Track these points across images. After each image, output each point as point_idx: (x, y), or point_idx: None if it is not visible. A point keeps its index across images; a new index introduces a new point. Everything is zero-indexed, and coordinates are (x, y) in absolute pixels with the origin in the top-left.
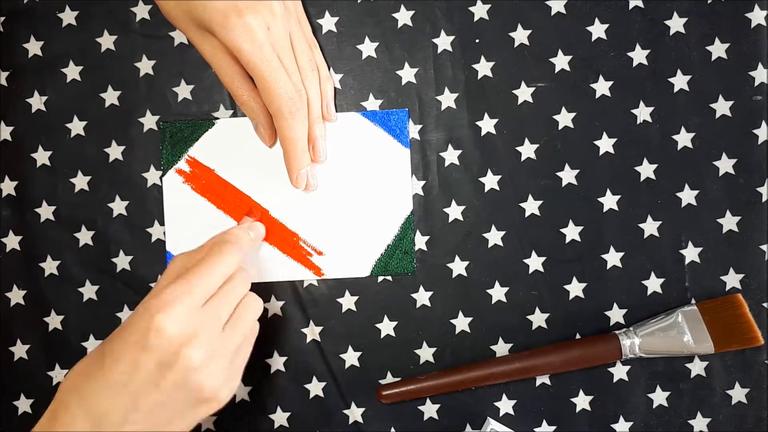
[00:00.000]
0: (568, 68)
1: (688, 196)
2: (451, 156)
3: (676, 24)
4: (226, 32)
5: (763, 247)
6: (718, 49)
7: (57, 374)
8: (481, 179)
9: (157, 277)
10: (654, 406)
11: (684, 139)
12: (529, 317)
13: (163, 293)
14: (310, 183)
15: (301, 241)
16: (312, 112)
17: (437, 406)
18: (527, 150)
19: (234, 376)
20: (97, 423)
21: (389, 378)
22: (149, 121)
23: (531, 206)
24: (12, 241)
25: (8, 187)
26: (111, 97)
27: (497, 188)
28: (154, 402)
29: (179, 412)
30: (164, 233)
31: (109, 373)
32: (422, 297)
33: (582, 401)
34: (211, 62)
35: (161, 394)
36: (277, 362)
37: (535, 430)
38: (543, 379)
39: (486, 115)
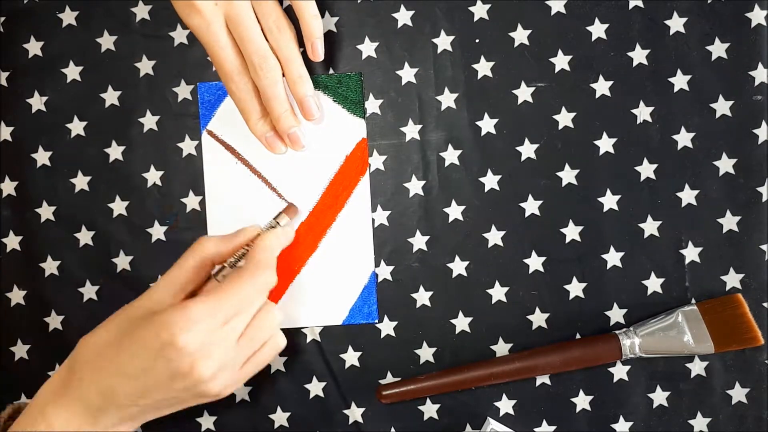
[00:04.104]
0: (568, 68)
1: (688, 196)
2: (451, 156)
3: (676, 24)
4: (185, 18)
5: (763, 247)
6: (718, 49)
7: None
8: (481, 179)
9: (158, 277)
10: (654, 406)
11: (684, 139)
12: (529, 317)
13: (188, 310)
14: (301, 142)
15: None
16: (291, 72)
17: (437, 406)
18: (527, 150)
19: (239, 381)
20: (106, 399)
21: (389, 378)
22: (149, 121)
23: (531, 206)
24: (12, 241)
25: (8, 187)
26: (111, 97)
27: (497, 188)
28: (160, 397)
29: (180, 403)
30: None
31: (124, 363)
32: (422, 297)
33: (582, 401)
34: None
35: (168, 392)
36: (277, 362)
37: (535, 430)
38: (543, 379)
39: (486, 115)
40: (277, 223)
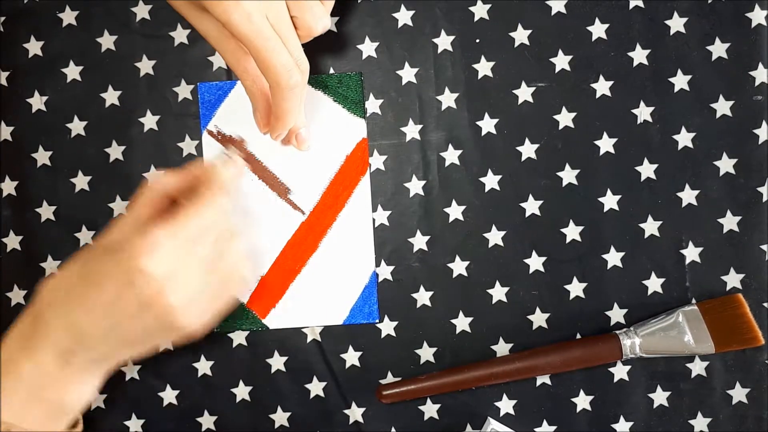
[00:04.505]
0: (568, 68)
1: (688, 196)
2: (451, 156)
3: (677, 24)
4: (215, 6)
5: (764, 247)
6: (719, 49)
7: None
8: (482, 179)
9: None
10: (654, 406)
11: (684, 139)
12: (529, 317)
13: (151, 235)
14: (306, 141)
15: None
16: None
17: (437, 406)
18: (527, 150)
19: (209, 313)
20: (76, 339)
21: (389, 378)
22: (149, 121)
23: (531, 206)
24: (12, 241)
25: (8, 187)
26: (111, 97)
27: (497, 188)
28: (130, 330)
29: (150, 336)
30: None
31: (92, 297)
32: (422, 297)
33: (582, 401)
34: (214, 45)
35: (138, 325)
36: (277, 362)
37: (535, 430)
38: (543, 379)
39: (486, 115)
40: (226, 154)
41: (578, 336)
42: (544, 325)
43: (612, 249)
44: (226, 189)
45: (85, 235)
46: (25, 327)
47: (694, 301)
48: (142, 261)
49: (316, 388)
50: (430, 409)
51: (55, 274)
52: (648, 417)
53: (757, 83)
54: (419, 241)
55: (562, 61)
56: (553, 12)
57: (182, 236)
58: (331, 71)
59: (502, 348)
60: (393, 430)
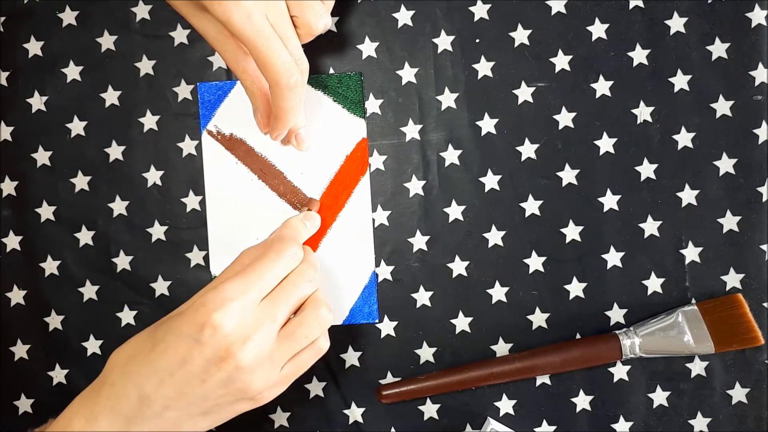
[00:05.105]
0: (568, 68)
1: (688, 196)
2: (451, 156)
3: (677, 24)
4: (215, 6)
5: (764, 247)
6: (719, 49)
7: (57, 374)
8: (482, 179)
9: (158, 277)
10: (654, 406)
11: (684, 139)
12: (529, 317)
13: (221, 289)
14: (306, 141)
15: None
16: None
17: (437, 406)
18: (527, 150)
19: (281, 382)
20: (140, 404)
21: (389, 378)
22: (149, 121)
23: (531, 206)
24: (12, 241)
25: (8, 187)
26: (111, 97)
27: (497, 188)
28: (197, 394)
29: (219, 406)
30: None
31: (157, 360)
32: (422, 297)
33: (582, 401)
34: (213, 45)
35: (206, 388)
36: None
37: (535, 430)
38: (543, 379)
39: (486, 115)
40: (306, 209)
41: (578, 336)
42: (544, 325)
43: (612, 249)
44: (295, 238)
45: (84, 235)
46: (90, 392)
47: (693, 301)
48: (215, 317)
49: (315, 388)
50: (429, 409)
51: (126, 342)
52: (648, 417)
53: (757, 83)
54: (419, 241)
55: (562, 61)
56: (553, 12)
57: (254, 292)
58: (331, 71)
59: (501, 348)
60: (393, 430)
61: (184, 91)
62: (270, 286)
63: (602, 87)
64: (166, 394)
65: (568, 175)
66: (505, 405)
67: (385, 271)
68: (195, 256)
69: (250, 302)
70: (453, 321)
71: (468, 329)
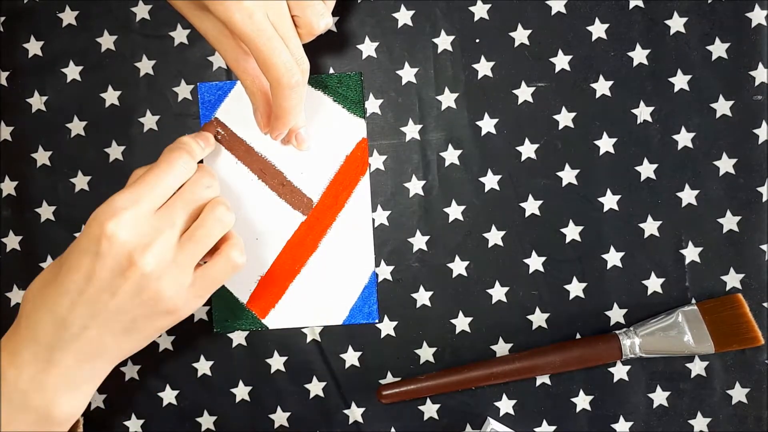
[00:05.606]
0: (568, 68)
1: (688, 196)
2: (451, 156)
3: (677, 24)
4: (216, 5)
5: (764, 247)
6: (719, 49)
7: None
8: (481, 179)
9: None
10: (654, 406)
11: (684, 139)
12: (529, 317)
13: (111, 200)
14: (306, 141)
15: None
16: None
17: (437, 406)
18: (527, 150)
19: (196, 295)
20: (59, 327)
21: (389, 378)
22: (149, 121)
23: (531, 206)
24: (12, 241)
25: (8, 187)
26: (111, 97)
27: (497, 188)
28: (111, 309)
29: (138, 321)
30: None
31: (65, 282)
32: (422, 297)
33: (582, 401)
34: (214, 44)
35: (118, 301)
36: (277, 362)
37: (535, 430)
38: (543, 379)
39: (486, 115)
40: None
41: (578, 336)
42: (544, 325)
43: (612, 249)
44: (187, 152)
45: None
46: (11, 331)
47: (693, 301)
48: (107, 226)
49: (315, 388)
50: (429, 409)
51: (41, 272)
52: (648, 417)
53: (757, 83)
54: (419, 241)
55: (561, 61)
56: (553, 12)
57: (147, 201)
58: (331, 71)
59: (501, 348)
60: (393, 430)
61: (184, 91)
62: (164, 195)
63: (602, 87)
64: (81, 313)
65: (568, 175)
66: (505, 405)
67: (385, 271)
68: None
69: (144, 211)
70: (453, 321)
71: (468, 329)
